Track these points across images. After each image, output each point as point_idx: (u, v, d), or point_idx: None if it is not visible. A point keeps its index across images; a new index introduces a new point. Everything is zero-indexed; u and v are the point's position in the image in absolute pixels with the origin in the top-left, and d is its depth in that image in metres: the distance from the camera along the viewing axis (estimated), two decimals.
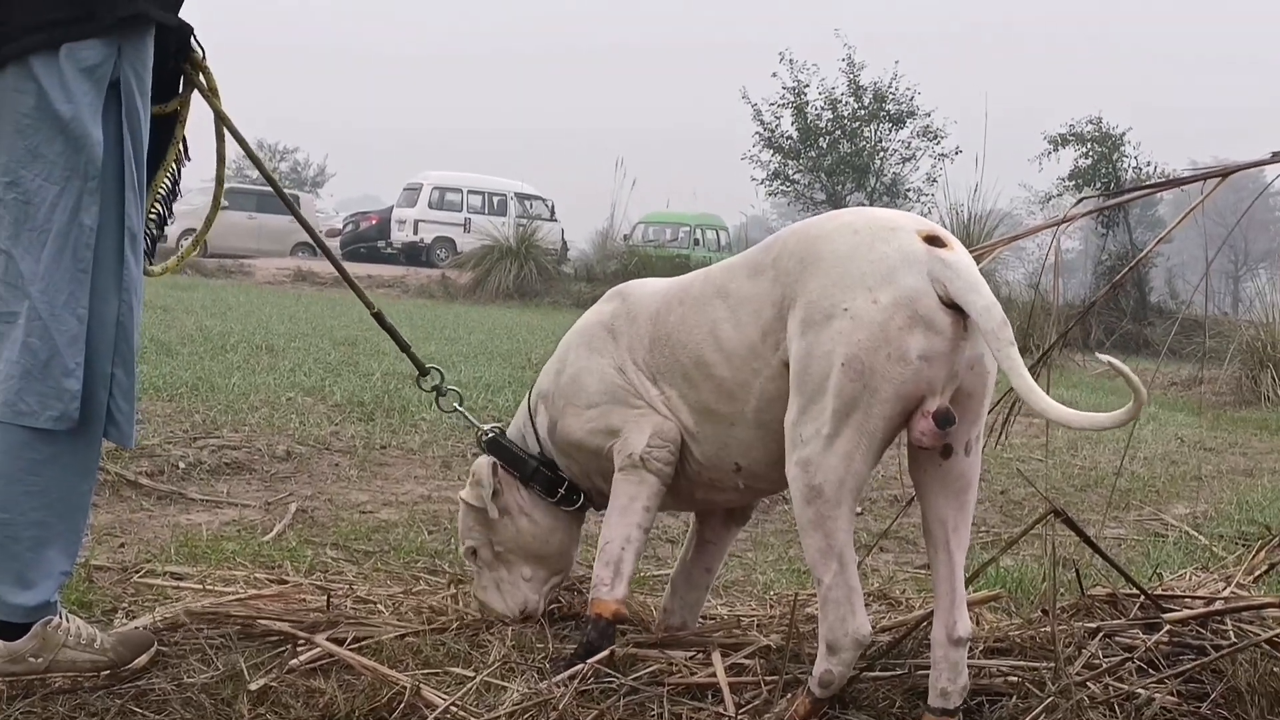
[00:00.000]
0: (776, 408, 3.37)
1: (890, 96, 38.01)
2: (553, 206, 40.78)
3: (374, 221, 40.62)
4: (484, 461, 4.09)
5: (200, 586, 4.36)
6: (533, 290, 27.90)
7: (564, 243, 37.39)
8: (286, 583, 4.49)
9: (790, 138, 38.17)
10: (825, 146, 37.86)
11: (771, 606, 4.45)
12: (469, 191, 39.65)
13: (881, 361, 3.10)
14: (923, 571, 5.38)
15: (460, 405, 4.31)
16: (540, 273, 28.49)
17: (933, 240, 3.19)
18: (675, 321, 3.69)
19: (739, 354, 3.47)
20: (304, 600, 4.19)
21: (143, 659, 3.53)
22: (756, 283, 3.44)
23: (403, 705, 3.17)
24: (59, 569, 3.37)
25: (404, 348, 4.21)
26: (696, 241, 39.74)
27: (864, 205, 32.34)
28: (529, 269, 28.31)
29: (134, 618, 4.07)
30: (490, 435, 4.15)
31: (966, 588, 3.32)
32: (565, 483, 4.05)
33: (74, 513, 3.37)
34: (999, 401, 3.87)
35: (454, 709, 3.11)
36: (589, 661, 3.46)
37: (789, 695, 3.36)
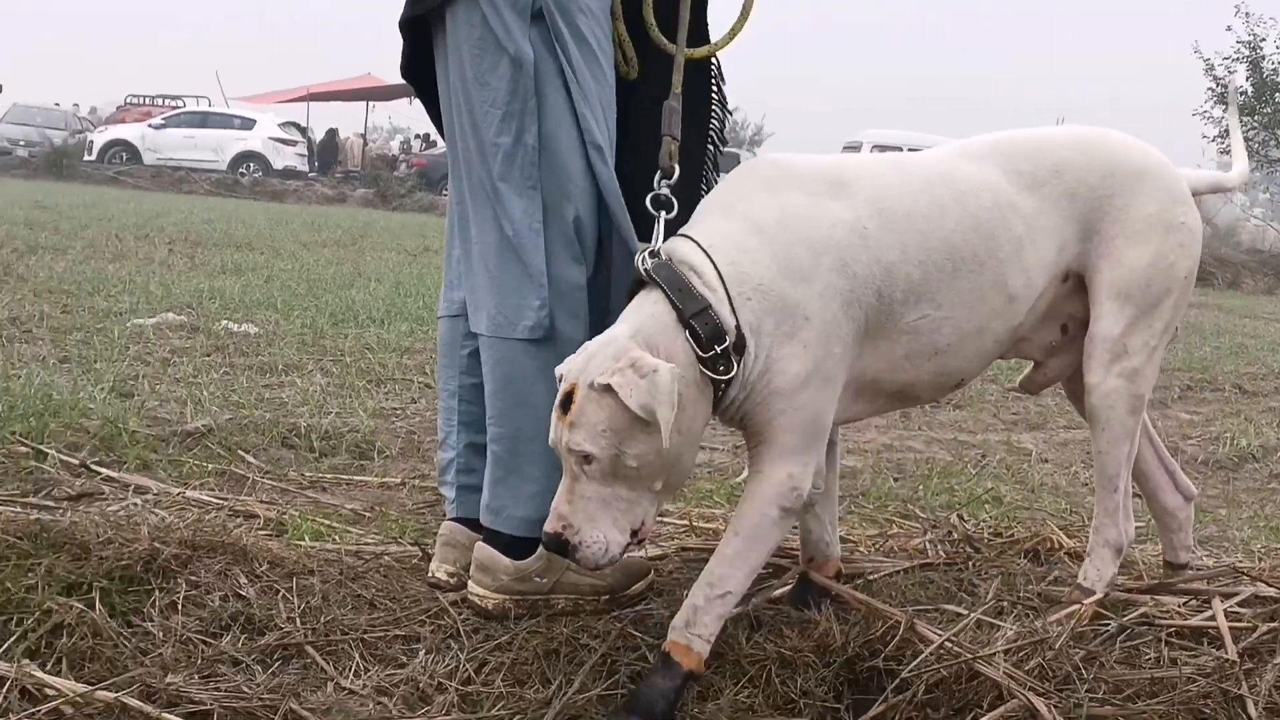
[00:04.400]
0: (1036, 322, 3.51)
1: None
2: None
3: None
4: (665, 367, 2.91)
5: (685, 522, 4.47)
6: None
7: None
8: None
9: (1245, 93, 36.59)
10: None
11: (1260, 558, 4.31)
12: (909, 150, 39.33)
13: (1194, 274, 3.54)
14: None
15: (666, 218, 3.28)
16: None
17: None
18: (960, 237, 3.28)
19: (1038, 272, 3.40)
20: (786, 538, 4.25)
21: (639, 585, 3.65)
22: (1041, 196, 3.40)
23: (896, 639, 3.19)
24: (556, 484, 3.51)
25: None
26: None
27: None
28: None
29: None
30: (658, 258, 3.13)
31: None
32: (728, 339, 3.04)
33: None
34: None
35: (949, 644, 3.11)
36: (1085, 602, 3.43)
37: None
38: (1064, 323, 3.55)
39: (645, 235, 3.34)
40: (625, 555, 3.04)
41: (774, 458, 3.11)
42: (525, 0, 3.42)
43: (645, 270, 3.09)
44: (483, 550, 3.55)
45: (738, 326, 3.03)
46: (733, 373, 3.02)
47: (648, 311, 3.04)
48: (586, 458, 2.93)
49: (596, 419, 2.91)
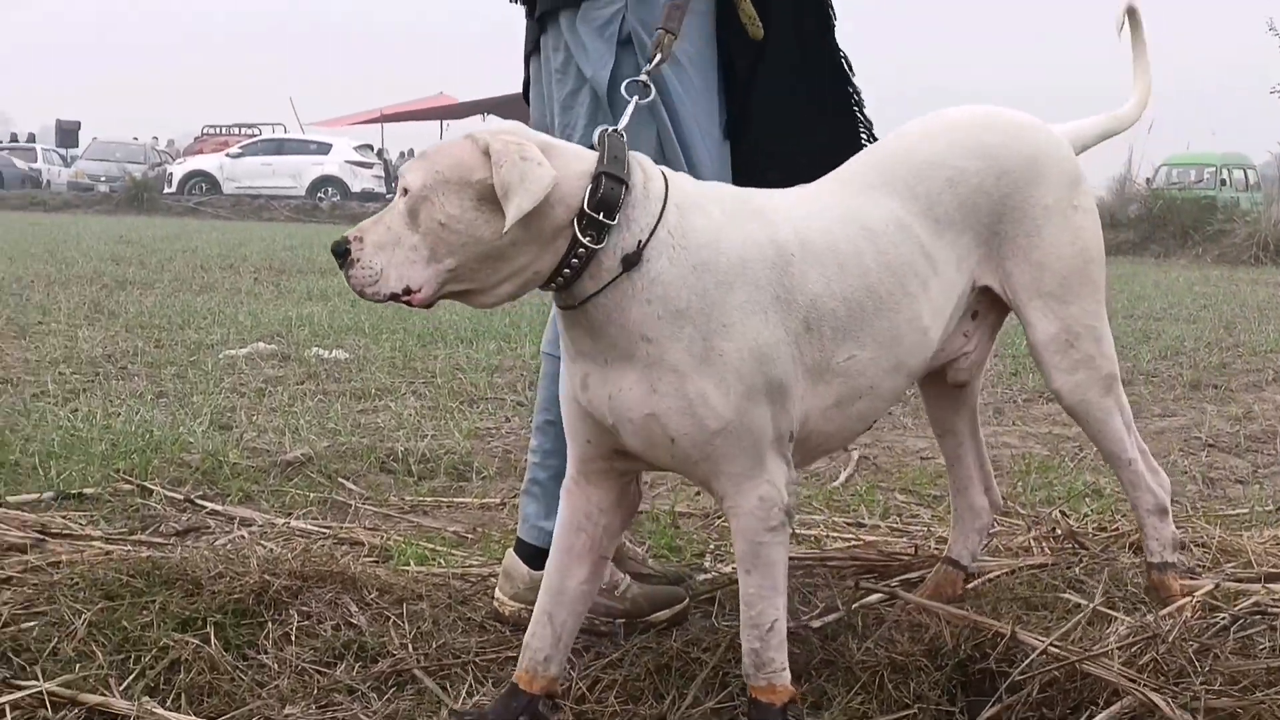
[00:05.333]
0: (948, 335, 3.34)
1: None
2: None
3: None
4: (551, 172, 2.74)
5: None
6: None
7: None
8: (864, 525, 4.58)
9: None
10: None
11: None
12: None
13: None
14: None
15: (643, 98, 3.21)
16: None
17: None
18: (876, 276, 3.10)
19: (944, 299, 3.25)
20: (887, 542, 4.26)
21: (662, 614, 3.65)
22: (935, 218, 3.22)
23: (1004, 641, 3.16)
24: None
25: None
26: (1223, 182, 37.96)
27: None
28: None
29: (720, 561, 4.23)
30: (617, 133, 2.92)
31: None
32: (615, 226, 2.81)
33: None
34: None
35: (1054, 648, 3.10)
36: (1196, 595, 3.41)
37: None
38: (973, 311, 3.44)
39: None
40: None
41: (736, 489, 2.93)
42: (613, 27, 3.42)
43: (596, 136, 2.92)
44: (510, 557, 3.71)
45: (641, 246, 2.81)
46: (596, 249, 2.78)
47: (573, 155, 2.88)
48: (405, 189, 2.79)
49: (443, 160, 2.79)
